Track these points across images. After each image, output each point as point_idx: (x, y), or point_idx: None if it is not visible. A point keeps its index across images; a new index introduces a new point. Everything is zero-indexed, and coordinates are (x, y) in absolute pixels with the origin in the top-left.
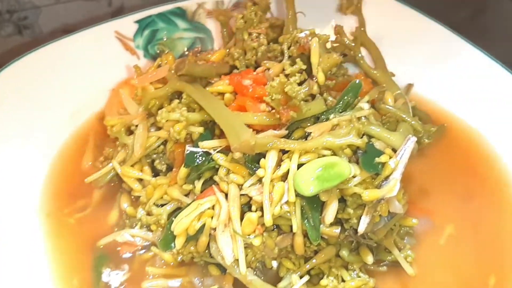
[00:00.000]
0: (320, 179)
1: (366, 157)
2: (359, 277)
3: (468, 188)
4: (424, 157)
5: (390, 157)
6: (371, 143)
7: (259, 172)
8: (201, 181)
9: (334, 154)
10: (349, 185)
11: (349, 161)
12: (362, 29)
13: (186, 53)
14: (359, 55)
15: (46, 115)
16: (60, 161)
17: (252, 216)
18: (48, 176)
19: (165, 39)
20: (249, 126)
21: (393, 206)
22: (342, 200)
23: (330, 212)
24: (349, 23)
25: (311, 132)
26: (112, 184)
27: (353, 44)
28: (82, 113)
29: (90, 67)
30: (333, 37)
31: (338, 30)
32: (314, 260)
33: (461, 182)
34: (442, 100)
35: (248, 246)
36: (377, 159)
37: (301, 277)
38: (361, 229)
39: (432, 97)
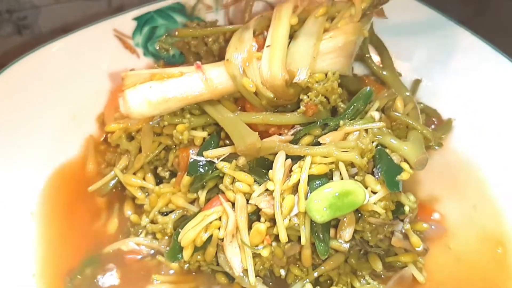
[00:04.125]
0: (332, 208)
1: (388, 174)
2: (369, 283)
3: (478, 192)
4: (433, 161)
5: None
6: (389, 157)
7: (269, 186)
8: (205, 190)
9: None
10: (368, 202)
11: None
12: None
13: None
14: (367, 55)
15: (46, 119)
16: (61, 166)
17: (261, 227)
18: (49, 181)
19: (165, 36)
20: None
21: None
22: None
23: (348, 231)
24: None
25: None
26: (114, 190)
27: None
28: (83, 115)
29: (89, 68)
30: None
31: None
32: (322, 267)
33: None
34: (450, 95)
35: (256, 256)
36: (398, 177)
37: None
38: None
39: (439, 91)
